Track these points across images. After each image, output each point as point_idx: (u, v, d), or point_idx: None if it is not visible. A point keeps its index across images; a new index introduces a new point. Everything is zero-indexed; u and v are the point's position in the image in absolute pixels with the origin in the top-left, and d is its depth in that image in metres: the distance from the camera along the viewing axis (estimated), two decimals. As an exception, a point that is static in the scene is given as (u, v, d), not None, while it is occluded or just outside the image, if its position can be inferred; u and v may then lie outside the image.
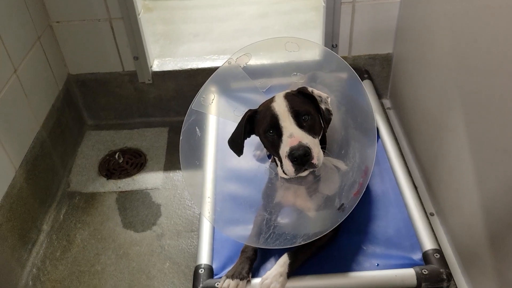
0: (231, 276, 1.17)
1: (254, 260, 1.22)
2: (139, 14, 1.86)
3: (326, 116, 1.14)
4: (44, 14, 1.83)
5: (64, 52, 1.95)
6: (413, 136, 1.78)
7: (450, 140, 1.42)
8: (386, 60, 2.01)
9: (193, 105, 1.26)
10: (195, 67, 2.00)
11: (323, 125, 1.15)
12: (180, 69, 2.01)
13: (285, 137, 1.07)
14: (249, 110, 1.21)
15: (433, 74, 1.54)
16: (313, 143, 1.07)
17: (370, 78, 1.96)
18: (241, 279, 1.16)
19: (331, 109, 1.17)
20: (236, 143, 1.21)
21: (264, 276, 1.17)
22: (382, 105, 1.88)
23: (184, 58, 2.07)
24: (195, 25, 2.50)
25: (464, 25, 1.30)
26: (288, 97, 1.14)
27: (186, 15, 2.62)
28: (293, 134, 1.06)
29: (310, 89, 1.17)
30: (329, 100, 1.17)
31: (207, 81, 1.29)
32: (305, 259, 1.24)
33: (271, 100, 1.17)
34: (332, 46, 1.95)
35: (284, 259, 1.19)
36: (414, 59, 1.75)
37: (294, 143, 1.04)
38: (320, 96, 1.16)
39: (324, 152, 1.13)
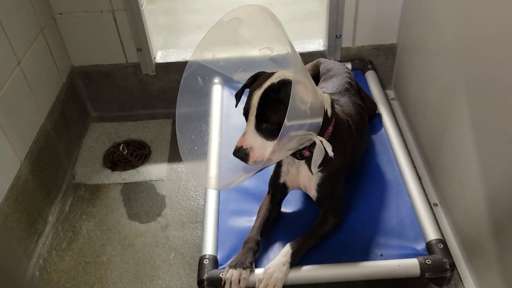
0: (234, 266, 1.19)
1: (256, 250, 1.24)
2: (142, 6, 1.86)
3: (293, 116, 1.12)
4: (47, 6, 1.83)
5: (67, 44, 1.95)
6: (417, 126, 1.77)
7: (454, 131, 1.42)
8: (390, 51, 2.00)
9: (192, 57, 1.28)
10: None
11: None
12: (183, 60, 2.00)
13: (243, 131, 1.14)
14: (256, 75, 1.22)
15: (438, 64, 1.54)
16: (260, 146, 1.12)
17: (374, 68, 1.95)
18: (244, 268, 1.18)
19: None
20: (237, 94, 1.29)
21: (267, 266, 1.18)
22: (386, 95, 1.88)
23: (187, 49, 2.06)
24: (198, 16, 2.49)
25: (468, 15, 1.29)
26: (266, 93, 1.13)
27: (189, 6, 2.62)
28: (245, 134, 1.13)
29: (295, 88, 1.07)
30: (308, 105, 1.13)
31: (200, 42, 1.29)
32: (308, 249, 1.25)
33: (263, 82, 1.14)
34: (336, 36, 1.94)
35: (287, 249, 1.20)
36: (419, 50, 1.74)
37: (239, 144, 1.13)
38: (302, 99, 1.10)
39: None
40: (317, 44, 2.02)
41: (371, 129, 1.64)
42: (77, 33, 1.92)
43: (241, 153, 1.12)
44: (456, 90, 1.38)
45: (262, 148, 1.12)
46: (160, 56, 2.04)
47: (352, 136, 1.33)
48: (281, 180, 1.32)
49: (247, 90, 1.21)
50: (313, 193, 1.29)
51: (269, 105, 1.12)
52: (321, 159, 1.18)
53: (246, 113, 1.15)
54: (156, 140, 2.01)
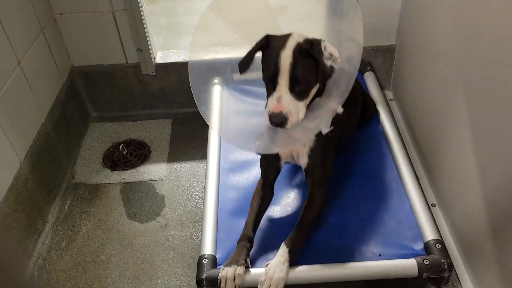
0: (229, 264, 1.20)
1: (250, 248, 1.25)
2: (142, 6, 1.86)
3: (327, 73, 1.14)
4: (47, 6, 1.83)
5: (67, 44, 1.96)
6: (416, 127, 1.78)
7: (452, 131, 1.42)
8: (389, 52, 2.00)
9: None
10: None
11: (319, 83, 1.16)
12: (183, 61, 2.01)
13: (274, 96, 1.13)
14: (266, 37, 1.20)
15: (436, 66, 1.54)
16: (296, 108, 1.13)
17: (372, 69, 1.96)
18: (238, 265, 1.19)
19: (337, 67, 1.16)
20: (244, 61, 1.23)
21: (267, 268, 1.18)
22: (384, 96, 1.88)
23: (187, 50, 2.07)
24: (199, 17, 2.49)
25: (467, 17, 1.29)
26: (296, 53, 1.12)
27: (189, 6, 2.62)
28: (280, 98, 1.11)
29: (323, 45, 1.14)
30: (338, 60, 1.16)
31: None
32: (303, 242, 1.25)
33: (284, 42, 1.14)
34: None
35: (283, 248, 1.21)
36: (417, 51, 1.75)
37: (277, 110, 1.11)
38: (331, 54, 1.14)
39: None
40: (317, 45, 2.03)
41: (369, 130, 1.65)
42: (78, 33, 1.92)
43: (280, 119, 1.10)
44: (454, 91, 1.38)
45: (296, 109, 1.12)
46: (160, 56, 2.04)
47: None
48: (274, 150, 1.31)
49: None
50: (304, 160, 1.29)
51: (299, 63, 1.10)
52: (332, 116, 1.18)
53: (273, 76, 1.12)
54: (156, 140, 2.01)
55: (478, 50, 1.24)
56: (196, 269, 1.27)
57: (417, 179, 1.48)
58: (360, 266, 1.23)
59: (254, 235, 1.27)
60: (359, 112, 1.54)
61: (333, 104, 1.20)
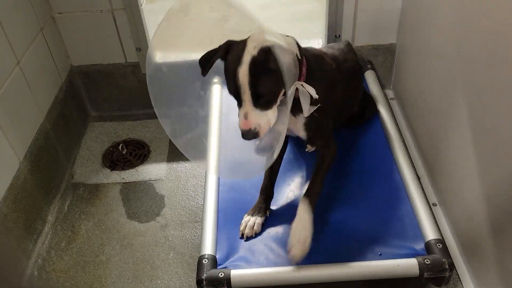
0: (251, 214, 1.34)
1: (270, 199, 1.38)
2: (141, 5, 1.86)
3: (289, 79, 1.10)
4: (46, 6, 1.83)
5: (66, 44, 1.95)
6: (416, 126, 1.77)
7: (453, 131, 1.42)
8: (389, 51, 2.00)
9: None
10: (198, 58, 1.99)
11: (285, 89, 1.13)
12: (183, 60, 2.00)
13: (241, 112, 1.13)
14: (226, 45, 1.18)
15: (437, 64, 1.54)
16: (265, 119, 1.13)
17: (373, 68, 1.96)
18: (259, 216, 1.34)
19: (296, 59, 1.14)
20: (204, 63, 1.23)
21: (293, 229, 1.21)
22: (385, 95, 1.88)
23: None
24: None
25: (468, 15, 1.29)
26: (252, 68, 1.08)
27: (189, 5, 2.61)
28: (247, 115, 1.11)
29: (277, 50, 1.08)
30: (296, 52, 1.14)
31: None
32: (320, 192, 1.31)
33: (240, 56, 1.10)
34: (335, 36, 1.94)
35: (304, 204, 1.24)
36: (418, 49, 1.74)
37: (246, 127, 1.11)
38: (290, 53, 1.12)
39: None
40: (317, 44, 2.02)
41: (370, 129, 1.65)
42: (77, 33, 1.92)
43: (251, 135, 1.12)
44: (455, 90, 1.38)
45: (266, 120, 1.13)
46: (160, 56, 2.03)
47: (332, 68, 1.32)
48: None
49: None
50: (302, 134, 1.31)
51: (258, 78, 1.08)
52: (309, 101, 1.18)
53: (236, 92, 1.12)
54: (155, 139, 2.01)
55: (478, 48, 1.24)
56: (196, 269, 1.27)
57: (418, 178, 1.47)
58: (360, 266, 1.23)
59: (273, 186, 1.39)
60: (361, 84, 1.58)
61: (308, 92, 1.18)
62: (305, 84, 1.16)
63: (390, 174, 1.48)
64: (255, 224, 1.33)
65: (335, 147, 1.37)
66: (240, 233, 1.33)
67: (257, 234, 1.33)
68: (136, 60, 1.99)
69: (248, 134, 1.12)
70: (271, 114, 1.14)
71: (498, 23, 1.13)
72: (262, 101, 1.11)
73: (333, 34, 1.93)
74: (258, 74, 1.08)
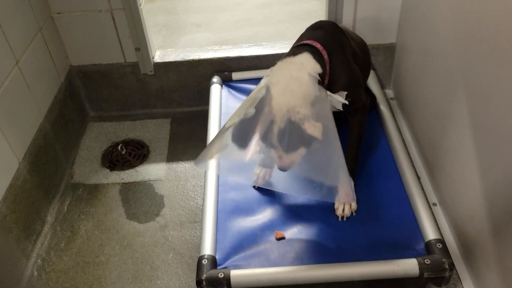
0: (262, 165, 1.41)
1: None
2: (140, 5, 1.86)
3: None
4: (45, 5, 1.82)
5: (65, 44, 1.95)
6: (416, 126, 1.77)
7: (453, 130, 1.42)
8: (389, 50, 2.00)
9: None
10: (197, 58, 1.99)
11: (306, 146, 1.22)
12: (182, 60, 2.00)
13: (276, 154, 1.22)
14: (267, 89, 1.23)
15: (437, 64, 1.53)
16: (297, 156, 1.21)
17: (373, 68, 1.95)
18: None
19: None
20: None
21: (340, 200, 1.33)
22: (385, 95, 1.87)
23: (186, 48, 2.06)
24: (197, 15, 2.49)
25: (467, 15, 1.28)
26: (282, 135, 1.17)
27: (188, 5, 2.61)
28: (281, 157, 1.20)
29: (305, 125, 1.17)
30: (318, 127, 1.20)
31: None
32: (358, 159, 1.44)
33: (271, 122, 1.17)
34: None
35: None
36: (418, 49, 1.74)
37: (283, 164, 1.21)
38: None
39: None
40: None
41: (370, 129, 1.64)
42: (76, 33, 1.91)
43: (288, 168, 1.22)
44: (455, 89, 1.38)
45: (299, 155, 1.20)
46: (159, 55, 2.04)
47: (348, 44, 1.38)
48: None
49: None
50: (340, 108, 1.33)
51: (290, 142, 1.17)
52: (341, 102, 1.27)
53: (268, 142, 1.20)
54: (155, 139, 2.01)
55: (479, 48, 1.24)
56: (195, 269, 1.27)
57: (418, 178, 1.47)
58: (360, 266, 1.22)
59: None
60: (369, 58, 1.63)
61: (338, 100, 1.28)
62: (331, 95, 1.24)
63: (390, 174, 1.48)
64: (266, 174, 1.42)
65: (365, 111, 1.43)
66: (254, 183, 1.44)
67: (257, 234, 1.32)
68: (135, 60, 1.99)
69: (285, 169, 1.22)
70: (302, 149, 1.20)
71: (499, 21, 1.13)
72: (294, 148, 1.19)
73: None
74: (287, 139, 1.17)
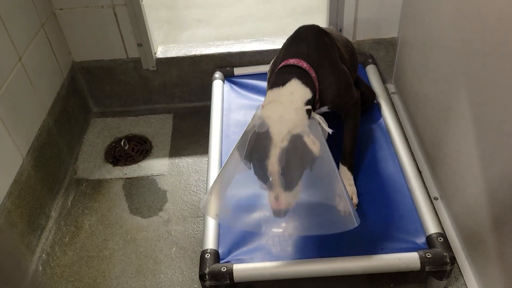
0: None
1: None
2: (142, 0, 1.86)
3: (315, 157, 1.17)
4: (47, 2, 1.83)
5: (68, 40, 1.95)
6: (418, 120, 1.77)
7: (454, 124, 1.42)
8: (391, 45, 2.00)
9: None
10: (199, 53, 2.00)
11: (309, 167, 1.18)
12: (184, 55, 2.00)
13: (271, 195, 1.15)
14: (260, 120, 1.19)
15: (438, 58, 1.54)
16: (293, 196, 1.15)
17: (374, 62, 1.95)
18: None
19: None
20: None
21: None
22: (386, 89, 1.88)
23: (188, 44, 2.06)
24: (199, 11, 2.49)
25: (469, 9, 1.28)
26: (281, 157, 1.12)
27: (189, 0, 2.61)
28: (278, 197, 1.14)
29: (305, 139, 1.15)
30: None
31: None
32: (355, 152, 1.43)
33: (266, 147, 1.13)
34: (337, 30, 1.94)
35: (343, 170, 1.40)
36: (419, 43, 1.74)
37: (278, 207, 1.14)
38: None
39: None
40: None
41: (371, 124, 1.65)
42: (78, 29, 1.92)
43: (283, 213, 1.15)
44: (457, 84, 1.38)
45: (295, 196, 1.16)
46: (161, 51, 2.04)
47: (345, 71, 1.36)
48: None
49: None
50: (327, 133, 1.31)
51: (288, 170, 1.13)
52: (327, 129, 1.21)
53: (265, 178, 1.15)
54: (157, 135, 2.02)
55: (480, 42, 1.24)
56: (198, 263, 1.28)
57: (419, 172, 1.48)
58: (362, 260, 1.23)
59: None
60: (356, 56, 1.58)
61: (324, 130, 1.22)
62: (321, 121, 1.20)
63: (391, 168, 1.49)
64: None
65: (357, 107, 1.42)
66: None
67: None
68: (137, 55, 1.99)
69: (281, 214, 1.15)
70: (298, 190, 1.16)
71: (501, 15, 1.13)
72: (291, 183, 1.14)
73: (334, 28, 1.93)
74: (286, 164, 1.12)
